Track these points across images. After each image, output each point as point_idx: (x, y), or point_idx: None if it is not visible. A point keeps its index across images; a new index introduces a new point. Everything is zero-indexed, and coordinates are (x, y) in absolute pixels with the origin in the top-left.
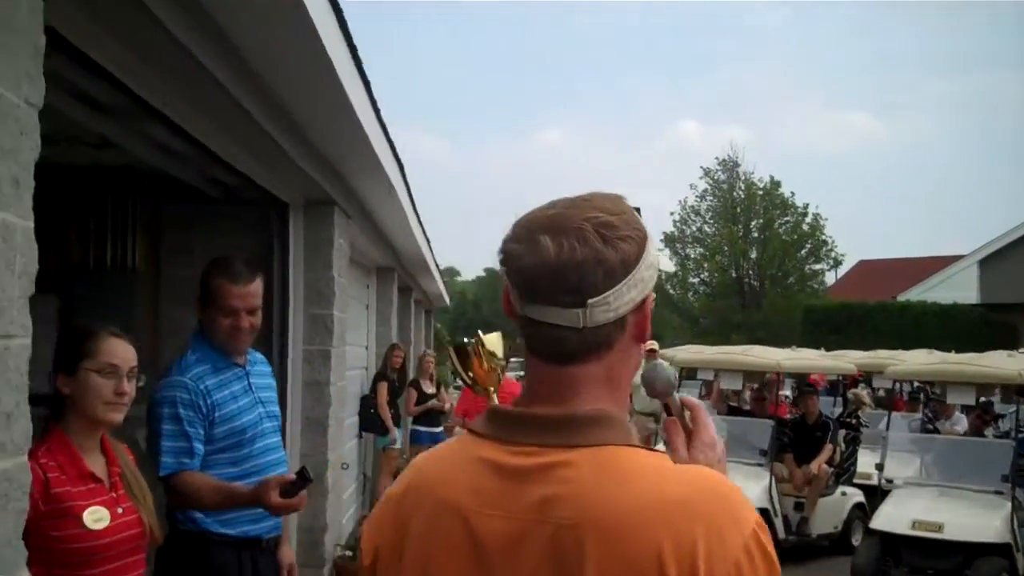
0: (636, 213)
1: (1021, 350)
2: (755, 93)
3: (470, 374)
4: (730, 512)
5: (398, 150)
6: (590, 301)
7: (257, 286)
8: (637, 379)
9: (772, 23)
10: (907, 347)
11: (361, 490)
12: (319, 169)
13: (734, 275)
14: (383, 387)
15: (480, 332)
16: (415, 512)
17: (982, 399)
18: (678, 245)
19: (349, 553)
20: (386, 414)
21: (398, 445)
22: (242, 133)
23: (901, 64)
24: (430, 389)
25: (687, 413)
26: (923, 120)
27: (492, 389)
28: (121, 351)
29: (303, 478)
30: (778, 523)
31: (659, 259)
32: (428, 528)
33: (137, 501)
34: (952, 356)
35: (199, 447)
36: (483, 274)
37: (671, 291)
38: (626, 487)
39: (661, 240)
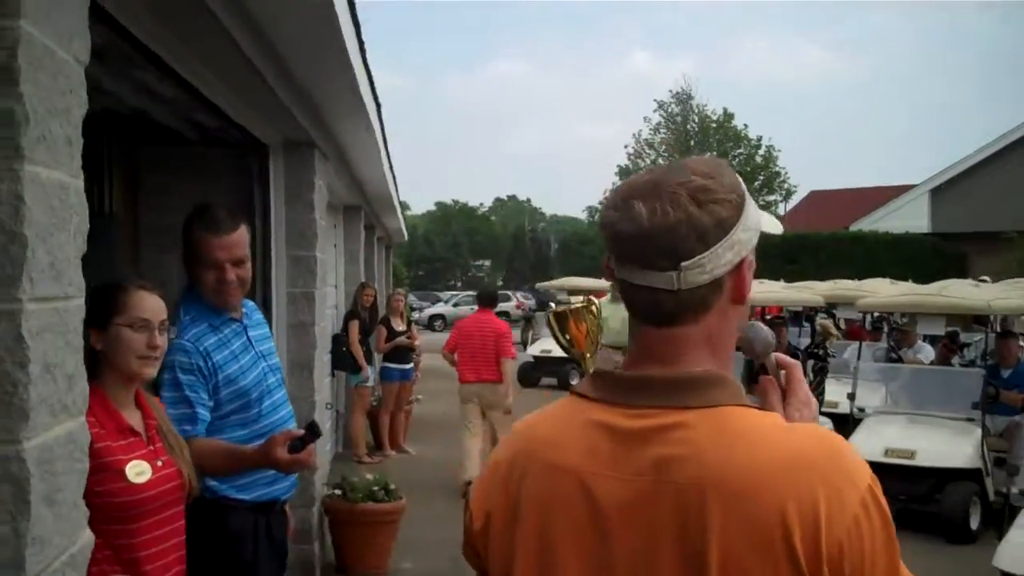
0: (736, 177)
1: (983, 278)
2: (707, 24)
3: (567, 336)
4: (846, 469)
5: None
6: (683, 264)
7: (241, 234)
8: (605, 312)
9: None
10: (861, 276)
11: (335, 428)
12: (302, 109)
13: None
14: (354, 325)
15: (593, 297)
16: (527, 477)
17: (948, 329)
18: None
19: (338, 492)
20: (358, 352)
21: (370, 383)
22: (232, 72)
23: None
24: (400, 327)
25: (782, 372)
26: (873, 51)
27: (588, 354)
28: (151, 304)
29: (312, 432)
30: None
31: (761, 220)
32: (543, 492)
33: (174, 453)
34: (921, 287)
35: (203, 412)
36: (433, 208)
37: None
38: (745, 447)
39: (615, 173)
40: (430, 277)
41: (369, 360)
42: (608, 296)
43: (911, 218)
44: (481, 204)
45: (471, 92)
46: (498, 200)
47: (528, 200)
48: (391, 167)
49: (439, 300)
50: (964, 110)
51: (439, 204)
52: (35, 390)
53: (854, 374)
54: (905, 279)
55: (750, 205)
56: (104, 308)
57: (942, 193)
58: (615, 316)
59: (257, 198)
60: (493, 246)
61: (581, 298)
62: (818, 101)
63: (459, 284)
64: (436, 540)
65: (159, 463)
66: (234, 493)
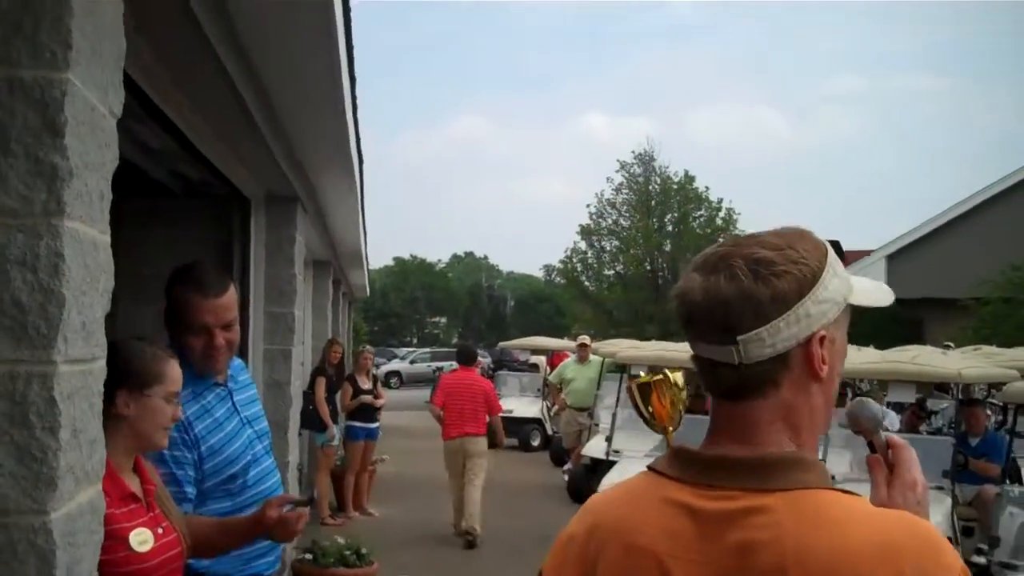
0: (819, 248)
1: (947, 343)
2: (662, 87)
3: (649, 409)
4: (937, 559)
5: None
6: (740, 338)
7: (231, 296)
8: (568, 374)
9: (681, 18)
10: None
11: (299, 488)
12: (290, 163)
13: (648, 267)
14: (321, 382)
15: (667, 370)
16: (603, 555)
17: (917, 395)
18: (594, 237)
19: (308, 556)
20: (324, 411)
21: (336, 442)
22: (229, 127)
23: (810, 63)
24: (366, 384)
25: (890, 452)
26: (832, 118)
27: (671, 428)
28: (178, 376)
29: (308, 501)
30: None
31: (849, 293)
32: (620, 572)
33: (173, 518)
34: (889, 354)
35: (190, 490)
36: (391, 263)
37: (586, 283)
38: (830, 533)
39: (577, 232)
40: (386, 333)
41: (334, 419)
42: (573, 357)
43: None
44: (439, 260)
45: (427, 148)
46: (455, 256)
47: (485, 256)
48: (364, 223)
49: (395, 356)
50: (920, 178)
51: (397, 259)
52: (65, 458)
53: (825, 441)
54: (863, 344)
55: (831, 277)
56: (144, 375)
57: (899, 259)
58: (581, 377)
59: (237, 252)
60: (450, 302)
61: (652, 372)
62: (775, 164)
63: (415, 340)
64: None
65: (159, 530)
66: (215, 567)
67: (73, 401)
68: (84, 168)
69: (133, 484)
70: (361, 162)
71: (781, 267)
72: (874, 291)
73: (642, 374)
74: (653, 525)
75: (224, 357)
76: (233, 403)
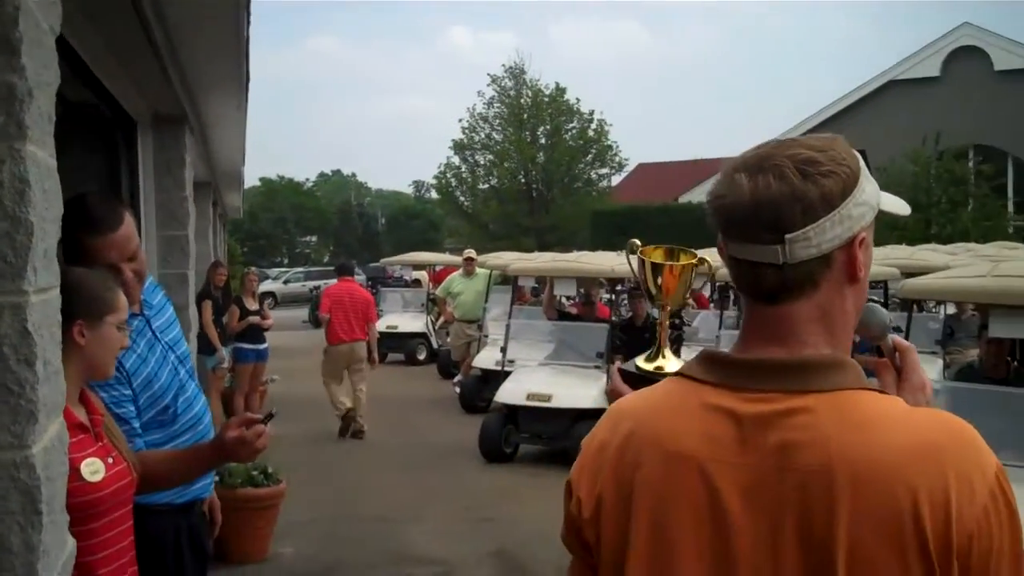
0: (852, 153)
1: None
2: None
3: (658, 281)
4: (976, 458)
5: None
6: (788, 236)
7: (128, 226)
8: (455, 287)
9: None
10: (689, 246)
11: None
12: (180, 81)
13: (523, 180)
14: (207, 306)
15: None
16: (642, 462)
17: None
18: (467, 152)
19: (216, 478)
20: (213, 333)
21: (225, 364)
22: (123, 41)
23: None
24: (253, 306)
25: (897, 355)
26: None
27: (669, 307)
28: (125, 304)
29: (270, 417)
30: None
31: (879, 198)
32: (660, 479)
33: (121, 449)
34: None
35: (138, 425)
36: (258, 183)
37: (461, 198)
38: (872, 433)
39: (450, 147)
40: (255, 254)
41: (222, 341)
42: (460, 271)
43: None
44: (307, 179)
45: (285, 66)
46: (323, 175)
47: (353, 175)
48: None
49: (267, 277)
50: (784, 85)
51: (263, 179)
52: (41, 390)
53: (506, 332)
54: None
55: (866, 181)
56: (99, 303)
57: None
58: (468, 290)
59: (125, 176)
60: (320, 221)
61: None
62: (639, 77)
63: (286, 261)
64: (309, 521)
65: (110, 460)
66: (157, 496)
67: (41, 332)
68: (36, 89)
69: (80, 414)
70: (248, 80)
71: (827, 167)
72: (895, 201)
73: (648, 249)
74: (693, 431)
75: (136, 290)
76: (152, 331)
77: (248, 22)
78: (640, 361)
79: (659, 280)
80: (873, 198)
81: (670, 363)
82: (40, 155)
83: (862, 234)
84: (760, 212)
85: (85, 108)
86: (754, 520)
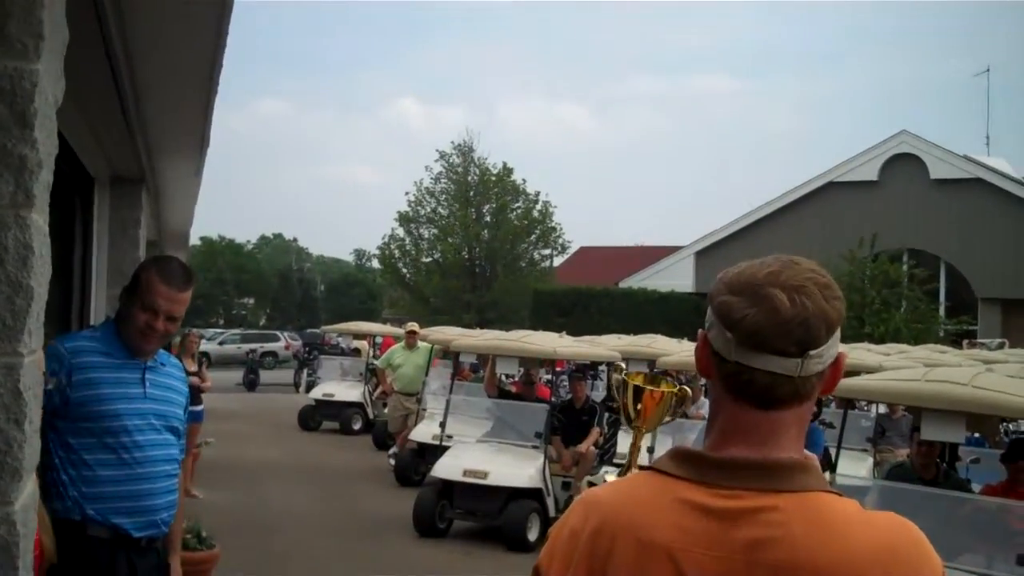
0: None
1: None
2: (475, 79)
3: (639, 407)
4: (928, 560)
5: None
6: (811, 352)
7: (186, 297)
8: (396, 359)
9: (494, 5)
10: (629, 331)
11: None
12: (143, 143)
13: (467, 256)
14: None
15: (686, 388)
16: (614, 551)
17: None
18: (412, 225)
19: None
20: None
21: None
22: (95, 100)
23: (611, 61)
24: (192, 367)
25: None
26: (636, 116)
27: (646, 431)
28: None
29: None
30: (550, 501)
31: None
32: (632, 568)
33: (41, 526)
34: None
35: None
36: (198, 243)
37: (403, 269)
38: (836, 533)
39: (395, 219)
40: (192, 314)
41: None
42: (401, 344)
43: (676, 278)
44: (248, 241)
45: (232, 128)
46: (264, 238)
47: (295, 239)
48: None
49: (203, 338)
50: (728, 176)
51: (204, 239)
52: (28, 448)
53: (445, 408)
54: (670, 335)
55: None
56: None
57: (706, 255)
58: (409, 363)
59: (79, 233)
60: (259, 284)
61: (651, 377)
62: (584, 161)
63: (221, 322)
64: None
65: None
66: (89, 509)
67: (30, 392)
68: (45, 159)
69: None
70: (208, 145)
71: (837, 293)
72: None
73: (631, 374)
74: (665, 522)
75: (156, 341)
76: (143, 377)
77: (215, 91)
78: (610, 478)
79: (639, 405)
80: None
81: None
82: (41, 222)
83: (844, 352)
84: (794, 328)
85: None
86: None
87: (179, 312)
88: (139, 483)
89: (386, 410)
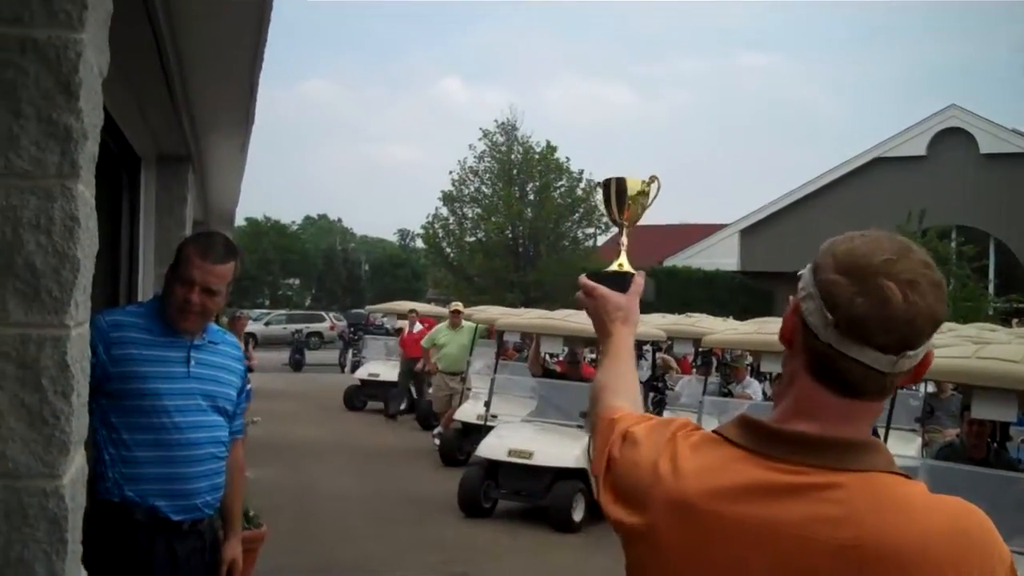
0: None
1: None
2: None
3: (627, 202)
4: (996, 546)
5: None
6: (909, 352)
7: (225, 269)
8: (441, 339)
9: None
10: (674, 310)
11: None
12: (188, 120)
13: (510, 235)
14: None
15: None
16: (671, 509)
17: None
18: (455, 204)
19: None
20: None
21: None
22: (140, 77)
23: (654, 39)
24: None
25: None
26: (678, 93)
27: (628, 226)
28: None
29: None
30: (594, 483)
31: None
32: (685, 531)
33: None
34: (764, 326)
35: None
36: (243, 224)
37: (447, 249)
38: (904, 516)
39: (439, 199)
40: (238, 294)
41: None
42: (445, 323)
43: (721, 256)
44: (292, 222)
45: (275, 110)
46: (308, 219)
47: (339, 220)
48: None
49: (249, 319)
50: (769, 157)
51: (249, 220)
52: (74, 422)
53: (490, 387)
54: (715, 314)
55: None
56: None
57: (751, 233)
58: (453, 343)
59: (125, 211)
60: (304, 265)
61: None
62: (628, 140)
63: (267, 303)
64: (287, 567)
65: None
66: (129, 491)
67: (76, 366)
68: (91, 130)
69: None
70: (253, 122)
71: (944, 293)
72: None
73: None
74: (720, 491)
75: (195, 317)
76: (188, 355)
77: (260, 65)
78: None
79: (622, 207)
80: None
81: (625, 267)
82: (87, 194)
83: (932, 349)
84: (901, 326)
85: None
86: None
87: (217, 285)
88: (178, 466)
89: (431, 390)
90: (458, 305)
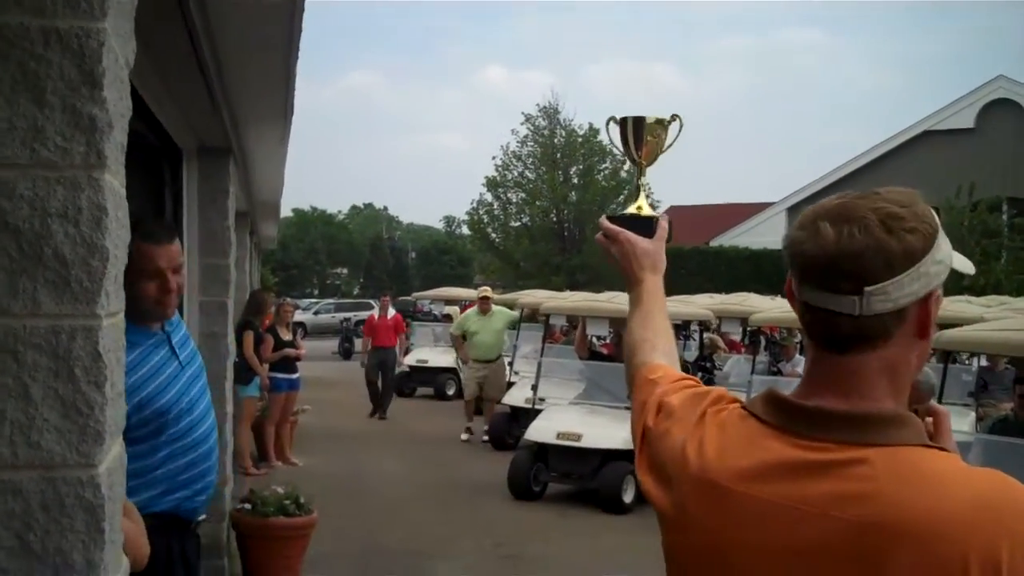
0: (930, 209)
1: None
2: (560, 42)
3: (648, 139)
4: None
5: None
6: (867, 289)
7: (178, 246)
8: (471, 326)
9: None
10: (721, 290)
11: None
12: (228, 112)
13: (555, 219)
14: (249, 336)
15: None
16: (698, 485)
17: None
18: (500, 189)
19: (247, 506)
20: (255, 362)
21: (257, 393)
22: (177, 71)
23: (699, 17)
24: (287, 336)
25: (928, 420)
26: (724, 72)
27: (646, 164)
28: None
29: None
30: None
31: (952, 257)
32: (709, 509)
33: None
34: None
35: None
36: (290, 214)
37: (492, 234)
38: (929, 490)
39: (483, 184)
40: (286, 284)
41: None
42: (475, 309)
43: (768, 235)
44: (339, 211)
45: (320, 101)
46: (355, 208)
47: (385, 208)
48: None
49: (298, 308)
50: (814, 134)
51: (296, 211)
52: (109, 411)
53: (537, 369)
54: (763, 293)
55: (942, 239)
56: None
57: (798, 211)
58: (485, 330)
59: (169, 203)
60: (351, 253)
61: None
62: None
63: (316, 292)
64: (338, 553)
65: None
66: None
67: (109, 355)
68: (116, 119)
69: None
70: (292, 114)
71: (911, 223)
72: (964, 261)
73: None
74: (745, 467)
75: (174, 301)
76: (171, 346)
77: (296, 56)
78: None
79: (640, 144)
80: (948, 256)
81: (645, 209)
82: (115, 184)
83: (937, 291)
84: (842, 262)
85: (134, 137)
86: (802, 563)
87: (180, 261)
88: (198, 465)
89: (463, 376)
90: (486, 291)
